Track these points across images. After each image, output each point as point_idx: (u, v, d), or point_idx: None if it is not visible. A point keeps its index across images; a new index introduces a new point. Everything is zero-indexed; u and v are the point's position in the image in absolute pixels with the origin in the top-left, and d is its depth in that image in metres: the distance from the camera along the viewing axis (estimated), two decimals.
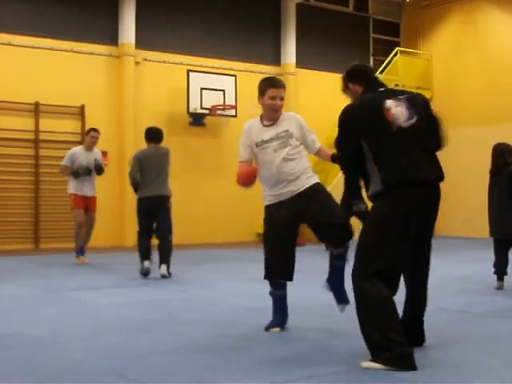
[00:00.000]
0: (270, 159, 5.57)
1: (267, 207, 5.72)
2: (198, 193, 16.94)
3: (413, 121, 4.70)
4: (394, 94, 4.86)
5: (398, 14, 21.40)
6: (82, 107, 15.53)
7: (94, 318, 6.30)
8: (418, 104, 4.86)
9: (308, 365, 4.51)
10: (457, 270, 10.55)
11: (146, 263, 9.36)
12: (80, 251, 11.45)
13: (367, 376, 4.23)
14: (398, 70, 19.42)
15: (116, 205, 15.51)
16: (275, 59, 18.57)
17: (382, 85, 5.04)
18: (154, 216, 9.47)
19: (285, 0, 18.66)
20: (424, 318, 5.08)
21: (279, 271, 5.67)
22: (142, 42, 16.33)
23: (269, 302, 5.79)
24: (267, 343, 5.17)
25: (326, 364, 4.53)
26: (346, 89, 5.18)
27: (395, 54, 19.57)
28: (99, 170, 11.51)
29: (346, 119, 4.83)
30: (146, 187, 9.46)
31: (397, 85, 19.39)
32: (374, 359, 4.35)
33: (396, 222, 4.55)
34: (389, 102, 4.67)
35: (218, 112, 16.87)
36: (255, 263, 11.70)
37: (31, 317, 6.44)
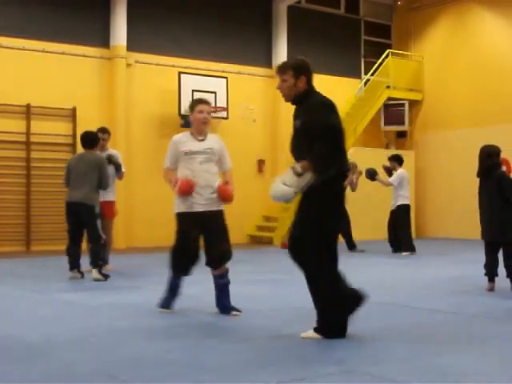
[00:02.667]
0: (195, 169, 6.35)
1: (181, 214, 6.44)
2: None
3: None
4: None
5: (389, 16, 21.45)
6: (74, 109, 15.51)
7: (85, 320, 6.29)
8: None
9: (300, 366, 4.51)
10: (448, 271, 10.58)
11: (72, 273, 9.40)
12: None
13: (358, 377, 4.25)
14: (390, 72, 19.48)
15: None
16: (266, 61, 18.57)
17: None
18: (80, 222, 9.41)
19: (276, 2, 18.68)
20: (415, 319, 5.11)
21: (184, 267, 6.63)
22: (133, 44, 16.32)
23: (261, 304, 5.78)
24: (260, 344, 5.18)
25: (318, 365, 4.53)
26: (293, 76, 5.27)
27: (386, 56, 19.62)
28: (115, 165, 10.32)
29: (333, 105, 5.32)
30: (70, 192, 9.51)
31: (388, 86, 19.49)
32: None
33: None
34: None
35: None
36: (246, 265, 11.74)
37: (22, 319, 6.42)
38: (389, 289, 8.41)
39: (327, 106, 5.22)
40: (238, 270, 10.96)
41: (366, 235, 16.27)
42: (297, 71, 5.25)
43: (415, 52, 20.59)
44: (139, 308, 7.03)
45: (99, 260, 9.35)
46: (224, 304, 6.52)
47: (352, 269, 11.00)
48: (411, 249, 13.51)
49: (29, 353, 4.93)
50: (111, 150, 10.73)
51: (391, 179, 13.71)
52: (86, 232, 9.50)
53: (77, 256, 9.47)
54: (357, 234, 14.87)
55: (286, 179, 5.13)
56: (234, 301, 6.43)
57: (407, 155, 19.11)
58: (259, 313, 6.62)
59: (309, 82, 5.30)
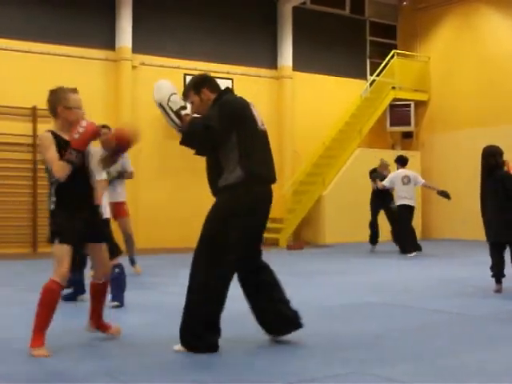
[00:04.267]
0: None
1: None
2: (194, 197, 16.94)
3: (264, 127, 5.30)
4: (248, 101, 5.36)
5: (395, 17, 21.42)
6: None
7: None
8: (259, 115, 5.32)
9: (308, 367, 4.52)
10: (454, 272, 10.56)
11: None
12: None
13: (365, 378, 4.25)
14: (395, 73, 19.45)
15: None
16: (272, 62, 18.58)
17: (233, 93, 5.47)
18: None
19: (281, 3, 18.68)
20: (421, 320, 5.10)
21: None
22: (138, 46, 16.35)
23: None
24: (266, 346, 5.18)
25: (326, 367, 4.54)
26: (195, 94, 5.27)
27: (392, 57, 19.58)
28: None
29: (231, 106, 5.13)
30: None
31: (394, 87, 19.47)
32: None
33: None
34: (251, 105, 5.26)
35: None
36: None
37: (27, 320, 6.43)
38: (394, 290, 8.40)
39: (222, 105, 5.11)
40: None
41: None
42: (196, 88, 5.27)
43: (421, 52, 20.56)
44: (143, 308, 7.04)
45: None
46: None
47: (357, 269, 11.04)
48: (415, 248, 13.51)
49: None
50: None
51: (384, 181, 13.80)
52: None
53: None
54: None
55: (174, 97, 5.14)
56: (239, 302, 6.40)
57: (413, 156, 19.11)
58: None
59: (213, 90, 5.28)
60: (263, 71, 18.37)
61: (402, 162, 13.98)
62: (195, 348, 4.88)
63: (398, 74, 19.49)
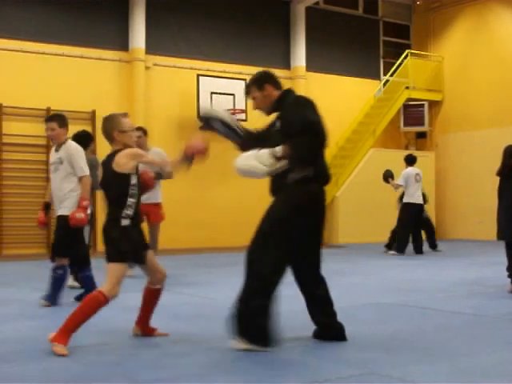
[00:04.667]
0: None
1: None
2: (207, 197, 16.95)
3: None
4: None
5: (408, 16, 21.35)
6: (93, 112, 15.58)
7: (102, 323, 6.30)
8: None
9: (321, 368, 4.50)
10: (469, 272, 10.51)
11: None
12: None
13: (379, 379, 4.22)
14: (409, 73, 19.39)
15: None
16: (285, 63, 18.56)
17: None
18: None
19: (294, 3, 18.66)
20: (435, 321, 5.07)
21: None
22: (151, 47, 16.38)
23: (279, 305, 5.75)
24: (279, 346, 5.16)
25: (339, 367, 4.52)
26: (258, 89, 5.28)
27: (406, 57, 19.53)
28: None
29: (311, 102, 5.19)
30: None
31: (407, 87, 19.40)
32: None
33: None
34: None
35: None
36: None
37: (39, 321, 6.44)
38: (408, 290, 8.37)
39: (301, 103, 5.15)
40: None
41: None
42: (258, 83, 5.28)
43: (434, 52, 20.48)
44: (159, 310, 7.03)
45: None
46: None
47: (372, 270, 10.99)
48: (399, 250, 13.56)
49: (47, 354, 4.94)
50: (154, 149, 10.34)
51: (398, 180, 13.80)
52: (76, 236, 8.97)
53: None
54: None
55: (261, 157, 5.01)
56: None
57: (427, 156, 19.06)
58: (279, 315, 6.61)
59: (276, 86, 5.29)
60: (276, 72, 18.00)
61: (410, 160, 13.99)
62: (257, 341, 4.93)
63: (412, 73, 19.43)
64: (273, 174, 5.03)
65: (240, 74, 17.27)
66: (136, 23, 16.17)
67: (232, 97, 16.72)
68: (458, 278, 9.75)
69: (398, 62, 19.42)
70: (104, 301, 4.99)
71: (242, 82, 16.98)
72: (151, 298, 5.56)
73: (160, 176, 9.73)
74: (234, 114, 16.85)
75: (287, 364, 4.65)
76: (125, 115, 5.49)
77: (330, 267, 11.82)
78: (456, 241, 17.82)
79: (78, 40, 15.59)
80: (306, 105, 5.10)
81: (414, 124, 19.94)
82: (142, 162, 5.35)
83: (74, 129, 15.11)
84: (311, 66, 18.64)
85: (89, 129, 15.52)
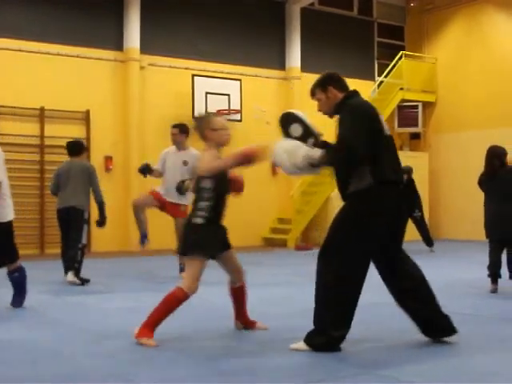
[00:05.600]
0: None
1: None
2: None
3: (389, 132, 5.21)
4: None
5: (403, 18, 21.38)
6: (87, 112, 15.55)
7: (100, 323, 6.29)
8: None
9: (318, 368, 4.50)
10: (463, 272, 10.53)
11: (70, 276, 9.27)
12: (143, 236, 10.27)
13: (375, 379, 4.22)
14: (403, 74, 19.41)
15: (121, 209, 15.48)
16: (280, 63, 18.57)
17: (360, 96, 5.41)
18: (64, 227, 9.63)
19: (289, 4, 18.67)
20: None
21: None
22: (146, 47, 16.35)
23: (276, 306, 5.77)
24: (275, 347, 5.16)
25: (336, 367, 4.52)
26: (322, 91, 5.34)
27: (400, 58, 19.55)
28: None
29: (361, 112, 5.09)
30: (60, 199, 9.72)
31: (402, 88, 19.42)
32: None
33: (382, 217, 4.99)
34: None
35: (223, 116, 16.84)
36: (261, 267, 11.72)
37: (35, 322, 6.43)
38: None
39: (353, 114, 5.09)
40: (251, 272, 10.97)
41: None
42: (322, 85, 5.31)
43: (428, 54, 20.51)
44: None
45: (75, 263, 9.26)
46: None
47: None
48: None
49: (42, 355, 4.93)
50: (191, 150, 10.02)
51: None
52: (69, 235, 9.51)
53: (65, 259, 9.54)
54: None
55: (295, 157, 5.03)
56: (249, 303, 6.39)
57: (421, 157, 19.10)
58: (274, 315, 6.61)
59: (340, 88, 5.28)
60: (271, 72, 18.35)
61: None
62: (319, 345, 4.91)
63: (406, 75, 19.45)
64: (298, 175, 5.10)
65: (235, 74, 17.28)
66: (131, 23, 16.14)
67: (227, 97, 16.72)
68: (453, 278, 9.76)
69: (393, 64, 19.43)
70: (183, 297, 5.22)
71: (237, 82, 17.01)
72: (237, 296, 5.76)
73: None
74: (228, 114, 16.86)
75: (282, 364, 4.64)
76: (217, 114, 5.68)
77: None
78: (450, 241, 17.83)
79: (73, 39, 15.55)
80: (356, 117, 5.06)
81: (408, 125, 19.97)
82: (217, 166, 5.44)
83: (67, 128, 15.23)
84: (306, 66, 18.63)
85: (83, 128, 15.56)
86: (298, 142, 5.16)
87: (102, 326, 6.10)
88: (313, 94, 5.39)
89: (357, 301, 5.02)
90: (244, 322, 5.79)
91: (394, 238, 5.17)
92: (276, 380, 4.24)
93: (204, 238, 5.26)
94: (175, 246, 10.08)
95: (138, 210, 10.00)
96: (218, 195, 5.34)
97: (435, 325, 5.22)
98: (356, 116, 5.03)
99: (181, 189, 9.61)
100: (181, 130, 10.00)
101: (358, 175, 4.94)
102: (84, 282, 9.24)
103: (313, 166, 5.04)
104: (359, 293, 5.04)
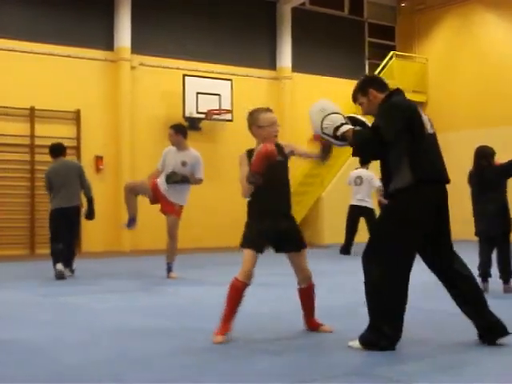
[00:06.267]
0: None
1: None
2: (194, 197, 16.87)
3: (433, 130, 5.19)
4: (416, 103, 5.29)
5: (393, 18, 21.44)
6: (78, 112, 15.52)
7: (91, 324, 6.28)
8: (429, 118, 5.26)
9: (310, 368, 4.50)
10: None
11: (59, 266, 9.78)
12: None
13: (366, 378, 4.23)
14: (394, 74, 19.43)
15: (112, 209, 15.46)
16: (271, 63, 18.58)
17: (404, 94, 5.33)
18: (66, 225, 10.11)
19: (280, 4, 18.68)
20: (419, 319, 5.08)
21: None
22: (137, 47, 16.33)
23: (269, 306, 5.77)
24: (268, 346, 5.16)
25: (327, 367, 4.52)
26: (362, 95, 5.28)
27: (390, 58, 19.60)
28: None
29: (401, 107, 5.06)
30: (56, 199, 10.19)
31: None
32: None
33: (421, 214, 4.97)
34: (419, 109, 5.17)
35: (214, 116, 16.88)
36: (255, 268, 11.71)
37: (27, 323, 6.41)
38: None
39: (390, 104, 5.08)
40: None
41: None
42: (362, 89, 5.27)
43: (419, 54, 20.56)
44: (146, 310, 7.02)
45: (72, 259, 10.27)
46: None
47: (356, 270, 10.99)
48: (342, 251, 14.29)
49: (35, 355, 4.92)
50: (191, 151, 9.94)
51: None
52: (72, 232, 10.30)
53: (62, 251, 9.98)
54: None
55: (325, 121, 5.07)
56: (242, 303, 6.39)
57: None
58: (268, 315, 6.61)
59: (380, 90, 5.23)
60: (262, 72, 18.36)
61: (362, 162, 13.85)
62: (372, 344, 4.90)
63: (397, 75, 19.47)
64: (323, 136, 5.11)
65: (226, 74, 17.28)
66: (122, 22, 16.12)
67: (218, 97, 16.72)
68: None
69: (383, 64, 19.48)
70: (239, 284, 5.33)
71: (228, 82, 17.01)
72: (304, 297, 5.71)
73: (187, 180, 9.80)
74: (219, 114, 16.86)
75: (273, 364, 4.64)
76: (266, 110, 5.61)
77: (315, 267, 11.84)
78: None
79: (63, 39, 15.52)
80: (390, 109, 5.05)
81: None
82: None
83: (58, 128, 15.19)
84: (297, 66, 18.66)
85: (73, 128, 15.53)
86: (337, 109, 5.19)
87: (92, 326, 6.09)
88: (354, 99, 5.34)
89: (404, 299, 5.06)
90: (309, 324, 5.72)
91: (435, 237, 5.14)
92: (267, 380, 4.24)
93: (247, 232, 5.44)
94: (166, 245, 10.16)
95: (130, 194, 9.93)
96: (255, 191, 5.41)
97: (488, 327, 5.13)
98: (390, 108, 5.04)
99: (169, 178, 9.63)
100: (176, 131, 9.88)
101: (399, 173, 4.94)
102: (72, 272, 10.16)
103: (337, 136, 5.02)
104: (405, 292, 5.07)
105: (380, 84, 5.30)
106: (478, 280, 8.11)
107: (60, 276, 9.66)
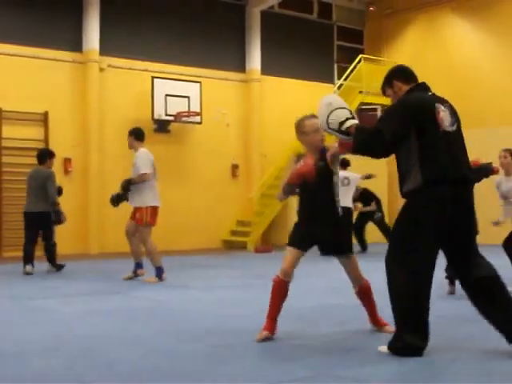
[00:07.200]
0: None
1: None
2: (162, 200, 16.84)
3: (454, 127, 5.05)
4: (440, 99, 5.10)
5: (362, 22, 21.57)
6: (46, 114, 15.40)
7: (58, 327, 6.24)
8: (456, 113, 5.16)
9: (276, 370, 4.51)
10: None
11: (28, 267, 10.81)
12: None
13: (333, 380, 4.25)
14: (362, 77, 19.56)
15: (80, 212, 15.38)
16: (240, 66, 18.59)
17: (429, 88, 5.22)
18: (38, 228, 11.10)
19: (249, 7, 18.71)
20: (390, 322, 5.10)
21: None
22: (106, 49, 16.25)
23: (235, 308, 5.78)
24: (235, 349, 5.17)
25: (294, 369, 4.54)
26: (388, 87, 5.23)
27: (359, 61, 19.70)
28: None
29: (407, 106, 4.95)
30: (27, 203, 11.14)
31: (361, 91, 19.58)
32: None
33: (430, 218, 4.84)
34: (437, 106, 4.98)
35: (183, 119, 16.86)
36: (220, 269, 11.73)
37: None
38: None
39: (399, 101, 5.04)
40: (212, 274, 10.98)
41: None
42: (388, 82, 5.22)
43: (387, 57, 20.69)
44: (113, 314, 6.99)
45: (53, 254, 11.29)
46: None
47: (328, 271, 11.03)
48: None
49: (0, 359, 4.88)
50: (138, 151, 10.10)
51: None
52: (44, 234, 11.25)
53: (33, 254, 11.03)
54: None
55: (331, 116, 5.02)
56: (208, 305, 6.41)
57: (380, 160, 19.21)
58: (233, 317, 6.61)
59: (405, 81, 5.16)
60: (232, 74, 18.37)
61: (342, 164, 13.94)
62: (398, 350, 4.82)
63: (365, 78, 19.60)
64: (328, 131, 5.08)
65: (195, 76, 17.26)
66: (90, 24, 16.03)
67: (187, 99, 16.70)
68: None
69: (352, 67, 19.58)
70: (279, 281, 5.44)
71: (197, 85, 16.99)
72: (361, 298, 5.83)
73: (134, 181, 9.99)
74: (188, 116, 16.84)
75: (240, 366, 4.65)
76: (312, 116, 5.57)
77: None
78: None
79: (31, 40, 15.38)
80: (396, 107, 5.01)
81: None
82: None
83: (25, 130, 15.06)
84: (266, 69, 18.70)
85: (41, 130, 15.41)
86: (343, 104, 5.15)
87: (59, 330, 6.05)
88: (383, 91, 5.28)
89: (426, 305, 4.88)
90: (374, 323, 5.81)
91: (454, 240, 4.96)
92: (234, 380, 4.25)
93: (293, 232, 5.61)
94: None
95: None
96: (301, 196, 5.65)
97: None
98: (395, 106, 4.99)
99: (112, 202, 10.27)
100: (128, 133, 10.29)
101: (411, 174, 4.85)
102: (60, 267, 11.30)
103: (341, 131, 4.99)
104: (426, 296, 4.90)
105: (406, 75, 5.20)
106: (446, 282, 8.20)
107: (27, 273, 10.74)
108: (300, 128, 5.58)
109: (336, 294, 8.19)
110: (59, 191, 11.43)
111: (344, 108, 5.10)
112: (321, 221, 5.53)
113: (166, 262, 13.13)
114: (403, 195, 5.02)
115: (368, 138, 4.92)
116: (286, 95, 18.85)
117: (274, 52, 18.97)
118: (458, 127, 5.10)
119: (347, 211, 14.21)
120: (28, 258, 10.85)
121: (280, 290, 5.44)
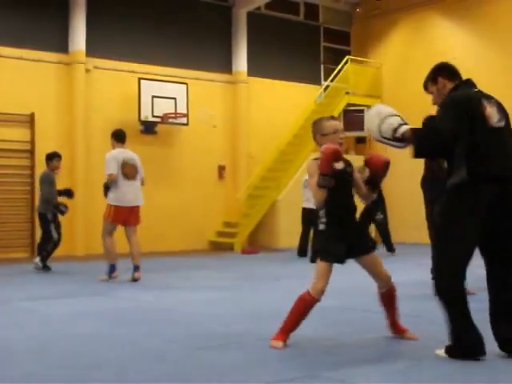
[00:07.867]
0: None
1: None
2: (148, 201, 16.81)
3: (502, 123, 4.89)
4: (486, 95, 4.99)
5: (348, 23, 21.61)
6: (32, 115, 15.34)
7: (45, 329, 6.22)
8: (504, 109, 4.99)
9: (264, 371, 4.51)
10: (410, 275, 10.65)
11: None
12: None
13: (321, 381, 4.26)
14: (349, 78, 19.61)
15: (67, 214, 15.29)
16: (227, 67, 18.59)
17: (475, 85, 5.11)
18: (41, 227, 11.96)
19: (236, 8, 18.72)
20: (378, 323, 5.10)
21: None
22: (92, 50, 16.20)
23: (222, 309, 5.77)
24: (222, 350, 5.16)
25: (282, 370, 4.54)
26: (432, 84, 5.21)
27: (346, 63, 19.74)
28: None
29: (457, 103, 4.88)
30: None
31: (347, 93, 19.63)
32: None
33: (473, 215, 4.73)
34: (484, 102, 4.87)
35: (170, 120, 16.84)
36: (207, 271, 11.72)
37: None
38: (350, 294, 8.45)
39: (446, 99, 4.98)
40: (198, 275, 10.98)
41: None
42: (433, 78, 5.20)
43: (374, 59, 20.76)
44: (101, 315, 6.97)
45: (44, 251, 11.61)
46: None
47: (312, 274, 11.05)
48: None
49: None
50: (126, 152, 10.63)
51: None
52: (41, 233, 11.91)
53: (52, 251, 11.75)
54: None
55: (383, 125, 4.97)
56: (195, 306, 6.40)
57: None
58: (221, 318, 6.61)
59: (450, 78, 5.11)
60: (218, 76, 18.36)
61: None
62: (453, 356, 4.76)
63: (352, 79, 19.66)
64: (382, 140, 4.99)
65: (182, 77, 17.25)
66: (76, 25, 15.98)
67: (173, 100, 16.68)
68: (400, 281, 9.84)
69: (338, 68, 19.62)
70: (309, 298, 5.17)
71: (184, 86, 16.98)
72: (385, 302, 5.60)
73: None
74: (175, 117, 16.83)
75: (229, 366, 4.65)
76: (330, 118, 5.52)
77: (271, 271, 11.90)
78: (397, 244, 18.03)
79: (17, 41, 15.32)
80: (445, 105, 4.94)
81: (354, 129, 20.09)
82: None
83: (11, 131, 14.99)
84: (253, 70, 18.71)
85: (27, 131, 15.34)
86: (393, 111, 5.09)
87: (45, 332, 6.03)
88: (425, 87, 5.25)
89: (466, 306, 4.81)
90: (392, 328, 5.61)
91: (495, 242, 4.84)
92: (223, 381, 4.25)
93: (324, 243, 5.24)
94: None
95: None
96: (330, 199, 5.15)
97: None
98: (446, 104, 4.91)
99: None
100: (110, 134, 10.74)
101: (457, 168, 4.74)
102: (46, 268, 11.58)
103: (396, 138, 4.94)
104: (465, 300, 4.83)
105: (451, 72, 5.15)
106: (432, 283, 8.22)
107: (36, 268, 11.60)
108: (319, 130, 5.47)
109: (328, 295, 8.19)
110: (68, 193, 12.11)
111: (395, 115, 5.07)
112: (348, 223, 5.33)
113: (153, 263, 13.14)
114: (447, 189, 4.87)
115: (429, 140, 4.88)
116: (273, 97, 18.87)
117: (260, 53, 18.98)
118: (507, 123, 4.96)
119: (304, 211, 14.61)
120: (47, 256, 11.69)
121: (307, 308, 5.22)
